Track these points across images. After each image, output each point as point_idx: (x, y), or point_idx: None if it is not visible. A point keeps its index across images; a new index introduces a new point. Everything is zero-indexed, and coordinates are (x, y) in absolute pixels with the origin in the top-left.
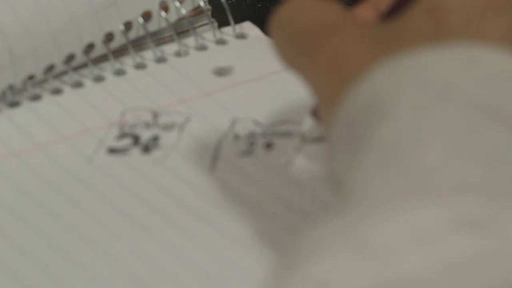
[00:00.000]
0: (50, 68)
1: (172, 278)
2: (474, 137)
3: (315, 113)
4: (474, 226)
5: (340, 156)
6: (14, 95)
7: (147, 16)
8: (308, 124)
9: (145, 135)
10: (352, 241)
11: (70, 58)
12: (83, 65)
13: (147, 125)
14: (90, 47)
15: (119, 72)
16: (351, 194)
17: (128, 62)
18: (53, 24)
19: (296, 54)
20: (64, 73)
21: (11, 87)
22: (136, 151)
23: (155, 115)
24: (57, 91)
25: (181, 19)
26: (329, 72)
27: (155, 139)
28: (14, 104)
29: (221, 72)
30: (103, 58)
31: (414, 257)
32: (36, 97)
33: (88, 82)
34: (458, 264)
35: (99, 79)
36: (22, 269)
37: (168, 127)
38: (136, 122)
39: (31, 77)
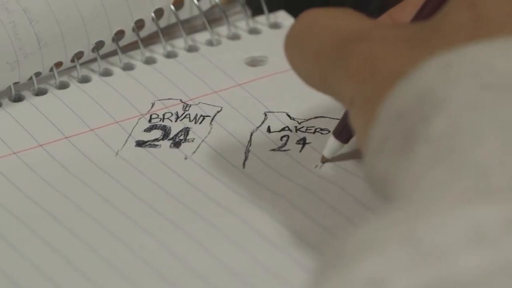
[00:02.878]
0: (79, 55)
1: (198, 274)
2: None
3: (337, 134)
4: None
5: (385, 152)
6: (40, 84)
7: (179, 3)
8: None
9: (175, 127)
10: (407, 239)
11: (99, 45)
12: (112, 53)
13: (177, 117)
14: (119, 34)
15: (149, 61)
16: (403, 192)
17: (158, 50)
18: (82, 10)
19: (319, 67)
20: (92, 61)
21: (37, 75)
22: (165, 144)
23: (186, 106)
24: (85, 80)
25: (213, 6)
26: (366, 77)
27: (185, 131)
28: (40, 93)
29: (254, 62)
30: (132, 47)
31: (470, 258)
32: (63, 86)
33: (117, 71)
34: None
35: (128, 67)
36: (45, 261)
37: (198, 119)
38: (166, 113)
39: (58, 64)
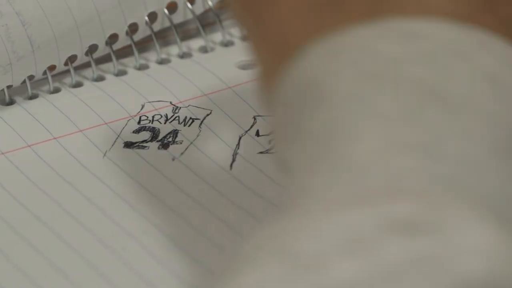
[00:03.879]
0: (72, 59)
1: (176, 278)
2: (409, 123)
3: None
4: (411, 229)
5: (280, 140)
6: (32, 90)
7: (172, 7)
8: None
9: (164, 129)
10: (282, 252)
11: (92, 49)
12: (105, 58)
13: (167, 119)
14: (113, 38)
15: (142, 67)
16: (292, 195)
17: (151, 57)
18: (75, 14)
19: (246, 18)
20: (85, 65)
21: (30, 78)
22: (153, 146)
23: (175, 109)
24: (77, 85)
25: (207, 11)
26: (267, 45)
27: (174, 133)
28: (33, 97)
29: (245, 66)
30: (125, 51)
31: (346, 265)
32: (55, 90)
33: (109, 76)
34: (393, 272)
35: (121, 73)
36: (29, 263)
37: (188, 121)
38: (155, 115)
39: (52, 68)
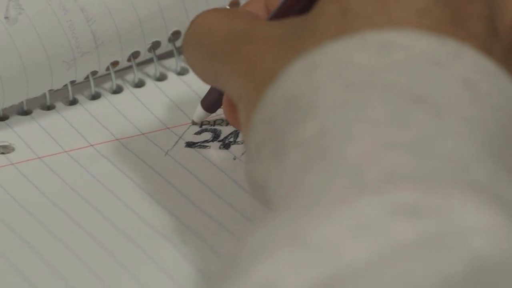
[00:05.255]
0: (135, 55)
1: None
2: (398, 124)
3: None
4: (417, 212)
5: (261, 159)
6: (95, 85)
7: (235, 3)
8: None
9: (225, 131)
10: (294, 239)
11: (155, 45)
12: (168, 55)
13: (228, 122)
14: (176, 35)
15: None
16: (280, 197)
17: None
18: (139, 10)
19: (213, 66)
20: (147, 61)
21: (93, 74)
22: (214, 146)
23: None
24: (139, 84)
25: None
26: (246, 78)
27: (235, 134)
28: (96, 96)
29: None
30: None
31: (358, 248)
32: (117, 90)
33: (171, 75)
34: (404, 251)
35: (183, 72)
36: (68, 265)
37: None
38: (217, 120)
39: (115, 64)
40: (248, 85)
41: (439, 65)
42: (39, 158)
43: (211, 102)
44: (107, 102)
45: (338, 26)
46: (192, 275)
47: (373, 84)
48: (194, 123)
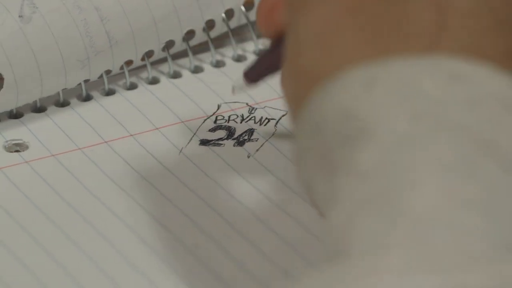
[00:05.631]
0: (149, 54)
1: (251, 277)
2: (469, 175)
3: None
4: None
5: (309, 164)
6: (109, 84)
7: (249, 4)
8: None
9: (240, 128)
10: None
11: (169, 45)
12: (181, 54)
13: (243, 119)
14: (190, 34)
15: (218, 64)
16: (332, 228)
17: (227, 53)
18: (153, 9)
19: (289, 11)
20: (161, 61)
21: (107, 73)
22: (229, 143)
23: (251, 109)
24: (153, 81)
25: None
26: (298, 75)
27: (249, 132)
28: (109, 93)
29: None
30: (201, 48)
31: None
32: (132, 86)
33: (185, 73)
34: None
35: (196, 70)
36: (103, 254)
37: (264, 121)
38: (231, 115)
39: (129, 63)
40: (296, 84)
41: (510, 110)
42: (53, 155)
43: (256, 74)
44: (122, 98)
45: (430, 41)
46: (203, 275)
47: (442, 120)
48: (233, 91)
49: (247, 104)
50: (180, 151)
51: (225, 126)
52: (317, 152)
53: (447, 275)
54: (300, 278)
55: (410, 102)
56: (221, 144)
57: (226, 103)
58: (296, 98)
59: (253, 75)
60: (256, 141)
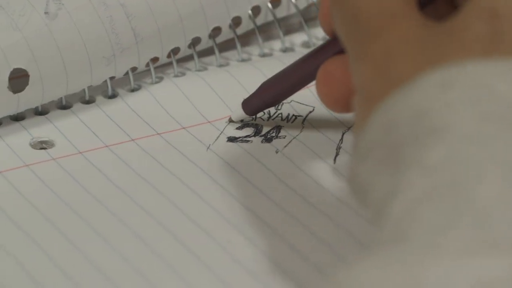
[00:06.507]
0: (175, 51)
1: (282, 271)
2: None
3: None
4: None
5: (372, 163)
6: (136, 80)
7: (276, 1)
8: None
9: (267, 125)
10: (412, 286)
11: (195, 41)
12: (207, 51)
13: (270, 116)
14: (216, 31)
15: (244, 60)
16: (392, 217)
17: (254, 51)
18: (180, 6)
19: (352, 34)
20: (187, 58)
21: (133, 70)
22: (256, 140)
23: (278, 105)
24: (179, 75)
25: (310, 5)
26: (377, 70)
27: (277, 129)
28: (135, 90)
29: None
30: (227, 45)
31: None
32: (157, 82)
33: (212, 68)
34: None
35: (223, 65)
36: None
37: (291, 118)
38: (259, 117)
39: (155, 60)
40: (376, 79)
41: None
42: (80, 153)
43: (253, 107)
44: (148, 93)
45: (484, 47)
46: (235, 271)
47: (510, 120)
48: (231, 121)
49: None
50: (208, 147)
51: (252, 124)
52: (384, 150)
53: (508, 257)
54: (355, 261)
55: (482, 103)
56: (249, 140)
57: None
58: (371, 99)
59: (251, 106)
60: (284, 138)
